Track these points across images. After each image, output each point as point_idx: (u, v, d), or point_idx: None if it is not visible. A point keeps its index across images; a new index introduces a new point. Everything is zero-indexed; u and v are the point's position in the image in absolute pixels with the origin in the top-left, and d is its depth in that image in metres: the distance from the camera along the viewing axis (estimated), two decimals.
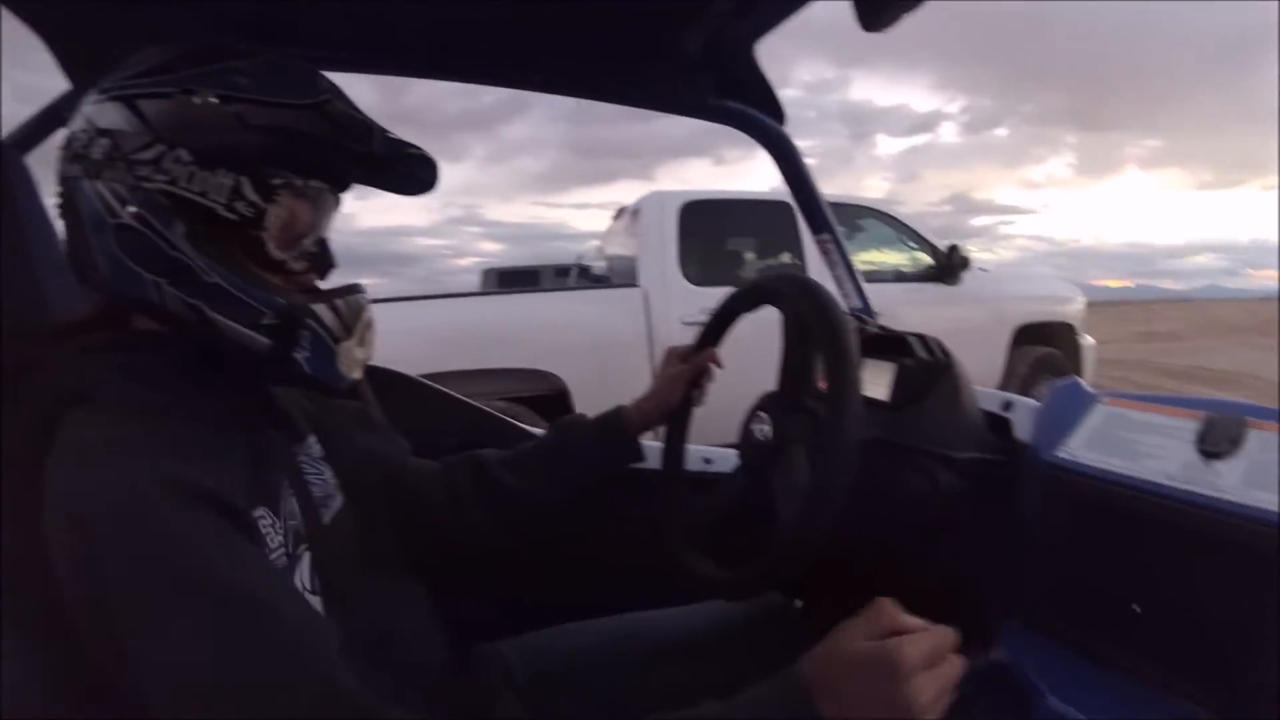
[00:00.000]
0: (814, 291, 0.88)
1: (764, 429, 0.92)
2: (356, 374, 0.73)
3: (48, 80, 1.06)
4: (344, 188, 0.75)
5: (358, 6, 1.05)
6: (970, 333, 4.01)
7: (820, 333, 0.84)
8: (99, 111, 0.65)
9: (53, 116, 1.07)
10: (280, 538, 0.63)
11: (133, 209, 0.63)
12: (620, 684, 0.94)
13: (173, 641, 0.52)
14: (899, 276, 4.33)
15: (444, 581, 0.90)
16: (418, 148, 0.73)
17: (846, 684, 0.56)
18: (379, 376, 1.29)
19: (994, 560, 0.94)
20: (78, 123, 0.66)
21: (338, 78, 0.71)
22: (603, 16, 1.09)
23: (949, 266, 4.19)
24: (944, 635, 0.58)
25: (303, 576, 0.65)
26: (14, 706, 0.60)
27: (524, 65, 1.26)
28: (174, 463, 0.56)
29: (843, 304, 1.29)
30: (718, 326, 1.07)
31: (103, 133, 0.64)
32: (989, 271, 4.70)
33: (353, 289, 0.73)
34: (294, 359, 0.67)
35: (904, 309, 3.55)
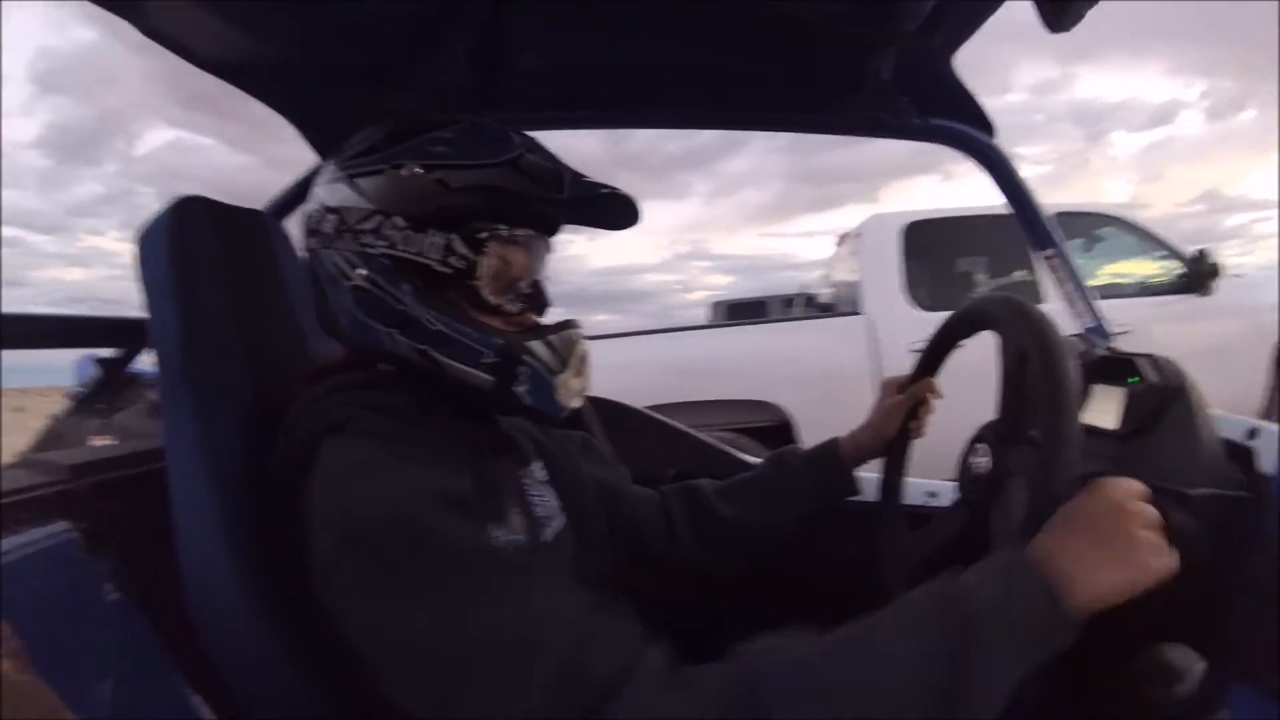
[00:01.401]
0: (1027, 314, 0.82)
1: (983, 461, 0.88)
2: (575, 403, 0.79)
3: (300, 153, 1.22)
4: (551, 231, 0.81)
5: (566, 72, 1.13)
6: (1225, 350, 3.49)
7: (1034, 358, 0.79)
8: (327, 192, 0.76)
9: (305, 186, 1.21)
10: None
11: (363, 272, 0.73)
12: None
13: (454, 610, 0.59)
14: (1144, 289, 3.87)
15: (655, 604, 0.92)
16: (610, 187, 0.78)
17: (1068, 541, 0.64)
18: (605, 408, 1.36)
19: (1228, 614, 0.80)
20: (311, 203, 0.78)
21: (554, 136, 0.76)
22: (790, 52, 1.10)
23: (1197, 274, 3.68)
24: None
25: None
26: (269, 690, 0.72)
27: (725, 107, 1.29)
28: (425, 474, 0.64)
29: (1075, 324, 1.18)
30: (935, 355, 1.03)
31: (331, 210, 0.75)
32: (1244, 277, 4.07)
33: (567, 325, 0.79)
34: (515, 393, 0.74)
35: (1151, 326, 3.18)
